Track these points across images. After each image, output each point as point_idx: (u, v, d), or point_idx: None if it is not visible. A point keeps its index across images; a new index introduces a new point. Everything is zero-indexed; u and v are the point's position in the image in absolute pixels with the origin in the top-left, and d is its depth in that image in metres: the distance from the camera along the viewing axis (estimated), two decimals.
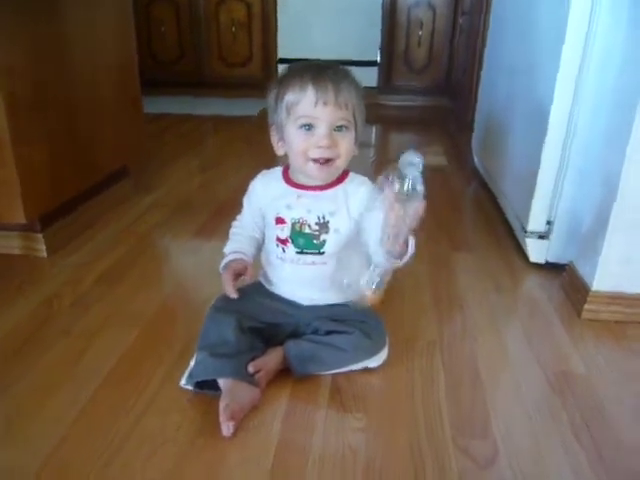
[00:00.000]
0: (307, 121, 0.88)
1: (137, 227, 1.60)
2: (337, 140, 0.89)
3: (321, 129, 0.88)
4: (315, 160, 0.90)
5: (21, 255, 1.39)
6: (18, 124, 1.25)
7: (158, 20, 3.37)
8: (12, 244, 1.39)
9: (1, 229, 1.38)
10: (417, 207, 0.77)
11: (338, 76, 0.89)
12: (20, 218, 1.30)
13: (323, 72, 0.88)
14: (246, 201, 1.05)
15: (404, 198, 0.77)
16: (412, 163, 0.77)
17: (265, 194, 1.00)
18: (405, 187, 0.76)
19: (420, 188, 0.77)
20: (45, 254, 1.39)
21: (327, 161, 0.91)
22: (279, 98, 0.91)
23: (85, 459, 0.79)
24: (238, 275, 0.97)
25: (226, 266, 0.99)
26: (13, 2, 1.21)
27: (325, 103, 0.87)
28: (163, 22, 3.37)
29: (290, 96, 0.89)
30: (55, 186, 1.41)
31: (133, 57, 1.79)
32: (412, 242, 0.85)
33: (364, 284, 0.84)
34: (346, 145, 0.91)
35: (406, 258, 0.86)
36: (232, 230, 1.07)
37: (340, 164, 0.92)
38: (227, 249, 1.03)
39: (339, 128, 0.89)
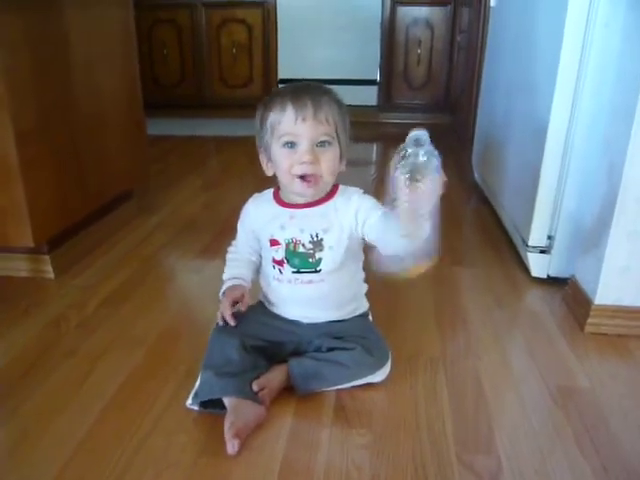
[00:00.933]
0: (289, 139, 0.90)
1: (142, 248, 1.62)
2: (319, 156, 0.90)
3: (303, 145, 0.90)
4: (300, 177, 0.91)
5: (28, 277, 1.41)
6: (26, 149, 1.27)
7: (160, 42, 3.43)
8: (20, 266, 1.41)
9: (9, 252, 1.40)
10: (435, 180, 0.74)
11: (318, 93, 0.91)
12: (28, 242, 1.32)
13: (302, 91, 0.91)
14: (240, 226, 1.06)
15: (422, 172, 0.74)
16: (420, 138, 0.76)
17: (257, 217, 1.01)
18: (420, 159, 0.75)
19: (435, 159, 0.75)
20: (52, 275, 1.41)
21: (312, 178, 0.91)
22: (263, 120, 0.93)
23: None
24: (235, 302, 0.99)
25: (224, 293, 1.01)
26: (19, 26, 1.24)
27: (304, 119, 0.88)
28: (165, 44, 3.44)
29: (272, 116, 0.91)
30: (62, 209, 1.43)
31: (136, 80, 1.82)
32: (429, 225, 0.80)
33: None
34: (329, 160, 0.92)
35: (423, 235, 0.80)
36: (228, 256, 1.08)
37: (326, 179, 0.93)
38: (225, 275, 1.05)
39: (322, 144, 0.91)
